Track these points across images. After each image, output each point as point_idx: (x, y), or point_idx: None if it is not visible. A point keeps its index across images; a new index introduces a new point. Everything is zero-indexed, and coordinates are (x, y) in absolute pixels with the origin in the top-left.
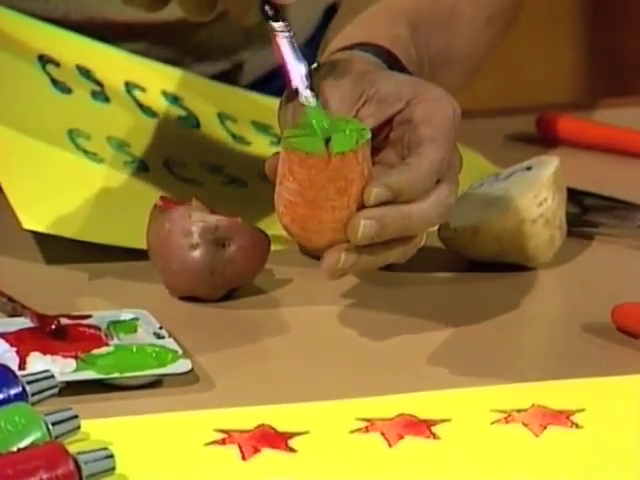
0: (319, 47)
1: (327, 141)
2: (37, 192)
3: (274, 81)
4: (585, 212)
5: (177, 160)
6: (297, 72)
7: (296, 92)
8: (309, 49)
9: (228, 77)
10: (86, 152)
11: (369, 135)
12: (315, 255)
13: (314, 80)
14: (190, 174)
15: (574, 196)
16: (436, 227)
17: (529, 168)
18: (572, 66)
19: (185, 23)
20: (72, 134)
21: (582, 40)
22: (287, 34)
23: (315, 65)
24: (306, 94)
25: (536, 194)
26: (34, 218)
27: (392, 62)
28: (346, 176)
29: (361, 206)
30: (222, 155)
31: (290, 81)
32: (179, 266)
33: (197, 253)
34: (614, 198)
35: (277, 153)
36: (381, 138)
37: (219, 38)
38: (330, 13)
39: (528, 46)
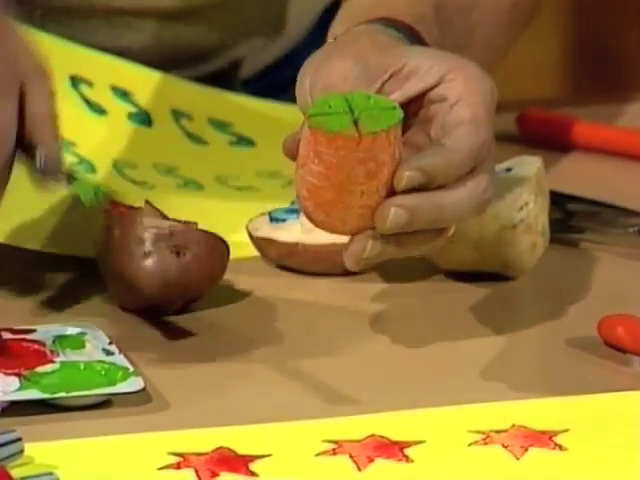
0: (322, 39)
1: (355, 120)
2: None
3: (270, 75)
4: (569, 217)
5: (127, 161)
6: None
7: None
8: (312, 37)
9: (224, 75)
10: None
11: (402, 114)
12: (279, 264)
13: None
14: (141, 176)
15: (557, 200)
16: None
17: (509, 169)
18: (556, 60)
19: (179, 15)
20: None
21: (567, 33)
22: None
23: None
24: None
25: (516, 198)
26: None
27: (415, 40)
28: (377, 158)
29: (390, 191)
30: (176, 156)
31: None
32: (130, 276)
33: (149, 262)
34: (600, 202)
35: (296, 132)
36: (408, 116)
37: (218, 34)
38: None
39: None
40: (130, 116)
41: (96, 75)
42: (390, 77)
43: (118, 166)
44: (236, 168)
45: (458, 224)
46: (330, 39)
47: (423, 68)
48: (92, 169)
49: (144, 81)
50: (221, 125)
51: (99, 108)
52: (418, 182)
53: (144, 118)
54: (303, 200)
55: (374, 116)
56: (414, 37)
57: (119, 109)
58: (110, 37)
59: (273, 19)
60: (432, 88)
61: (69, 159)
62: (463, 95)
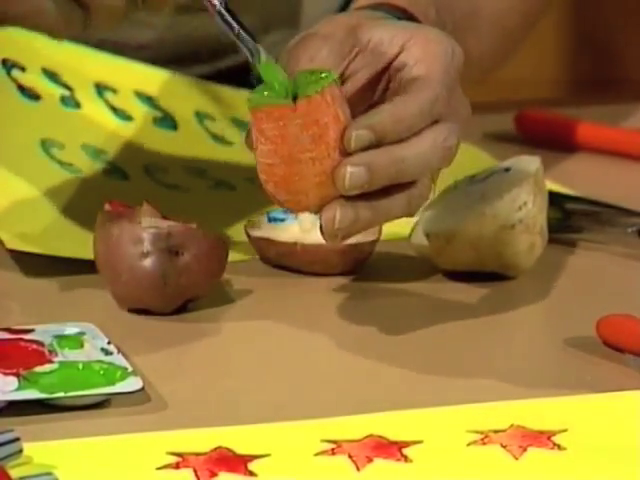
0: None
1: (294, 96)
2: (14, 209)
3: None
4: (567, 217)
5: (158, 165)
6: (246, 40)
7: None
8: None
9: (242, 71)
10: (62, 163)
11: (335, 76)
12: (277, 264)
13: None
14: (174, 180)
15: (556, 200)
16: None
17: (507, 169)
18: (555, 60)
19: (196, 9)
20: (45, 144)
21: (566, 33)
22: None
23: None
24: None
25: (515, 197)
26: (16, 236)
27: (408, 20)
28: (318, 121)
29: (344, 154)
30: (204, 157)
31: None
32: (129, 276)
33: (148, 262)
34: (598, 202)
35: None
36: (380, 91)
37: None
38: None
39: None
40: (155, 121)
41: (119, 82)
42: (357, 55)
43: (150, 171)
44: None
45: (424, 175)
46: None
47: (386, 40)
48: (124, 176)
49: (166, 85)
50: (244, 125)
51: (125, 114)
52: (368, 140)
53: (169, 123)
54: (265, 184)
55: (310, 83)
56: (408, 20)
57: (144, 114)
58: (128, 33)
59: (291, 14)
60: (396, 57)
61: (100, 166)
62: (421, 58)
